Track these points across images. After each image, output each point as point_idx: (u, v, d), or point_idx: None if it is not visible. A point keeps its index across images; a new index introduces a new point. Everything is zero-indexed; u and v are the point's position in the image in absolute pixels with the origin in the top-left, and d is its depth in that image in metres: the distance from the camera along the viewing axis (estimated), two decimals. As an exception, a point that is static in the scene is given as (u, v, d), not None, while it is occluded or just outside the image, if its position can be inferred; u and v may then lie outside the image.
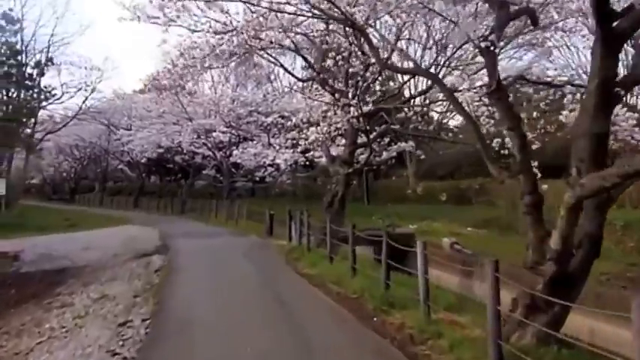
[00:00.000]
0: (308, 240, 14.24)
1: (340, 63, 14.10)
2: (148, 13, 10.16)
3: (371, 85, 16.59)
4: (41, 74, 37.80)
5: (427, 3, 7.48)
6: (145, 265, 13.98)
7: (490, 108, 11.42)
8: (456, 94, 9.22)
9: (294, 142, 19.43)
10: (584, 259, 5.79)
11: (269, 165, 28.16)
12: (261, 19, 10.21)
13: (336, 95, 14.48)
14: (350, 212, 17.36)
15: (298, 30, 12.30)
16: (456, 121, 33.49)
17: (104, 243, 19.20)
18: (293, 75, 20.11)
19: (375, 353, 6.18)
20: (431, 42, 14.38)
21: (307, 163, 26.32)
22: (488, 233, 20.71)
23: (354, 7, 8.53)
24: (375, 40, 10.71)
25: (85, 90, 38.60)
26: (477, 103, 11.94)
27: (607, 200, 5.85)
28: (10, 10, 35.89)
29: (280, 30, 10.99)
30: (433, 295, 7.15)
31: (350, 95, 14.07)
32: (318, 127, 15.03)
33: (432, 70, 12.80)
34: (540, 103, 11.33)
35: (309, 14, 9.50)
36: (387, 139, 18.82)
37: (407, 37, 14.84)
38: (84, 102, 39.55)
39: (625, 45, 6.68)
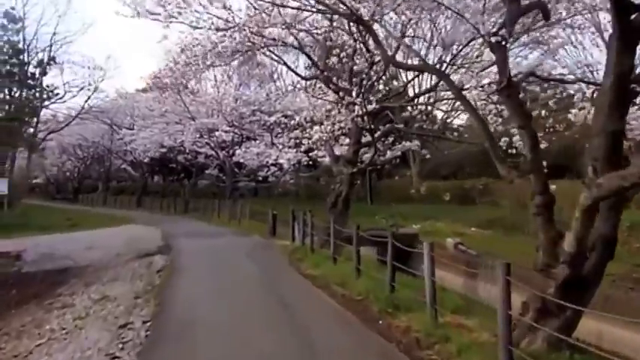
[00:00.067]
0: (311, 240, 14.05)
1: (344, 61, 13.96)
2: (148, 8, 10.04)
3: (375, 83, 16.42)
4: (43, 73, 37.88)
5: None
6: (147, 265, 13.87)
7: (498, 106, 11.25)
8: (462, 92, 9.04)
9: (298, 141, 19.33)
10: (598, 261, 5.62)
11: (272, 164, 28.07)
12: (263, 15, 10.08)
13: (340, 94, 14.30)
14: (353, 212, 17.20)
15: (302, 27, 12.14)
16: (460, 120, 33.38)
17: (107, 243, 19.11)
18: (296, 73, 20.04)
19: (381, 357, 6.04)
20: (436, 40, 14.25)
21: (310, 162, 26.22)
22: (492, 233, 20.58)
23: (359, 2, 8.37)
24: (380, 36, 10.53)
25: (88, 89, 38.70)
26: (483, 102, 11.76)
27: (621, 200, 5.68)
28: (12, 8, 35.96)
29: (283, 26, 10.85)
30: (439, 298, 6.99)
31: (354, 94, 13.90)
32: (322, 126, 14.87)
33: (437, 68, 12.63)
34: (549, 102, 11.14)
35: (314, 9, 9.35)
36: (391, 139, 18.69)
37: (412, 34, 14.69)
38: (86, 101, 39.68)
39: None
